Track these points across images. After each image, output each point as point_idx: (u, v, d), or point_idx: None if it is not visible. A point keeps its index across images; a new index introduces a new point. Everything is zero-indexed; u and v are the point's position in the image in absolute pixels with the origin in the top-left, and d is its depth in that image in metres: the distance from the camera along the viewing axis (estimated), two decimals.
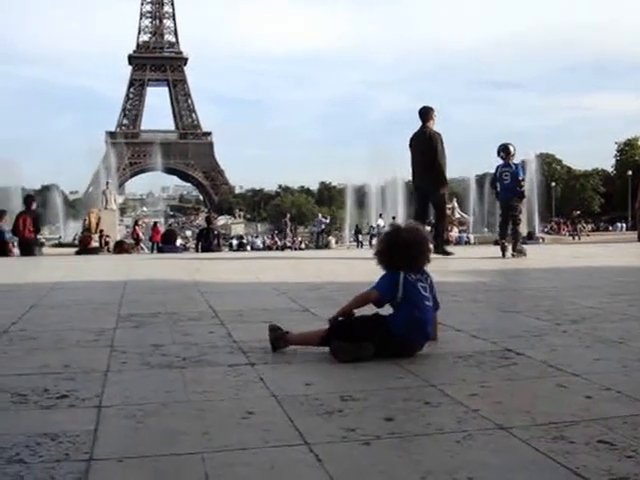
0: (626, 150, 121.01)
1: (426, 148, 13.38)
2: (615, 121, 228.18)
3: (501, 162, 13.54)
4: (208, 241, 22.51)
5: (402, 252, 3.93)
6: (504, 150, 13.46)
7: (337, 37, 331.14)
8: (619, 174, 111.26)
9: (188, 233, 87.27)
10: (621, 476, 2.07)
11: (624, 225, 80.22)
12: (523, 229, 17.14)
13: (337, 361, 3.70)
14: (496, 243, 14.20)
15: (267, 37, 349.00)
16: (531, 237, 32.91)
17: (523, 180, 13.50)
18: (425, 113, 13.70)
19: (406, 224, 4.43)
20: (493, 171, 13.98)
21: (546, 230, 68.17)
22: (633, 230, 33.74)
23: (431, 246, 4.27)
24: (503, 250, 13.14)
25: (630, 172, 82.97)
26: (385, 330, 3.79)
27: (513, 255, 12.97)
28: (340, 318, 3.93)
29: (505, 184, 13.39)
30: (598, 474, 2.09)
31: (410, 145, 13.86)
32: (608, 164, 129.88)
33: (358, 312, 3.95)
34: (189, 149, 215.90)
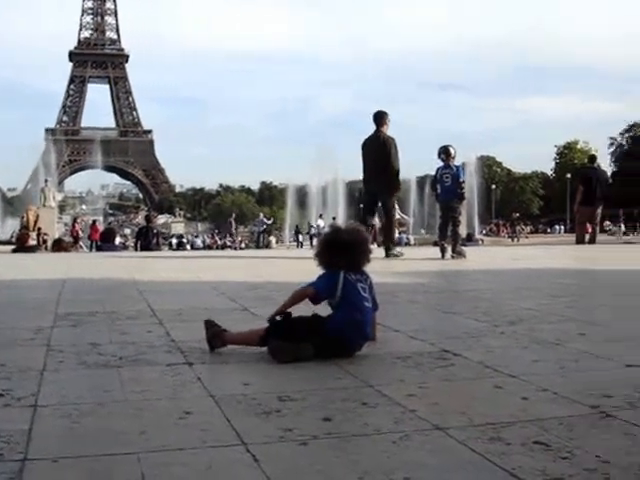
0: (565, 153, 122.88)
1: (379, 152, 13.51)
2: (555, 124, 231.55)
3: (441, 164, 13.65)
4: (147, 240, 22.41)
5: (342, 252, 3.94)
6: (445, 152, 13.57)
7: (283, 36, 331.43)
8: (558, 177, 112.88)
9: (127, 231, 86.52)
10: (555, 477, 2.09)
11: (562, 227, 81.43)
12: (463, 231, 17.31)
13: (276, 361, 3.68)
14: (436, 244, 14.31)
15: (211, 35, 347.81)
16: (470, 239, 33.18)
17: (463, 182, 13.64)
18: (379, 118, 13.84)
19: (346, 225, 4.44)
20: (434, 173, 14.07)
21: (485, 232, 68.80)
22: (571, 232, 34.21)
23: (371, 247, 4.28)
24: (443, 251, 13.25)
25: (569, 175, 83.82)
26: (324, 330, 3.78)
27: (453, 256, 13.09)
28: (278, 317, 3.92)
29: (446, 186, 13.50)
30: (533, 475, 2.10)
31: (363, 149, 13.96)
32: (547, 167, 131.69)
33: (297, 313, 3.94)
34: (129, 147, 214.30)
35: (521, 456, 2.26)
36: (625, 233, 58.42)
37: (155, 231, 24.32)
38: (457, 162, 13.97)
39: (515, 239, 58.34)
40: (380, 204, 14.20)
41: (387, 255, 13.39)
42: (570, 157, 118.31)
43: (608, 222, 54.91)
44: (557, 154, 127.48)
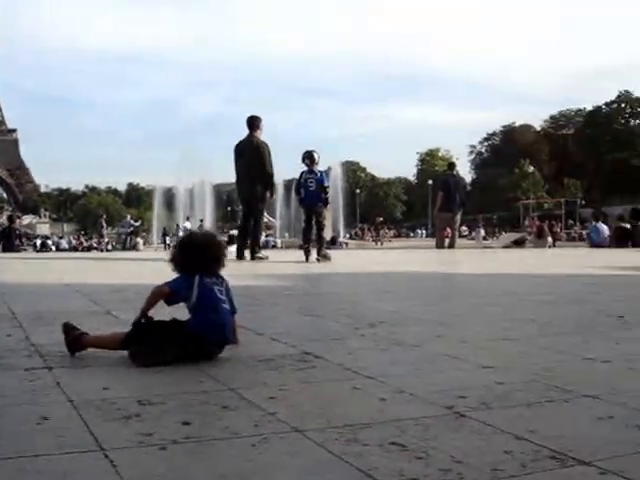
0: (427, 160, 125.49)
1: (253, 157, 13.67)
2: (418, 132, 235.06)
3: (305, 169, 13.76)
4: (10, 241, 21.88)
5: (196, 256, 3.94)
6: (309, 157, 13.77)
7: (154, 36, 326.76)
8: (420, 183, 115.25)
9: None
10: (411, 477, 2.12)
11: (424, 232, 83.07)
12: (327, 234, 17.47)
13: (136, 365, 3.64)
14: (301, 247, 14.41)
15: (80, 35, 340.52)
16: (335, 242, 33.49)
17: (328, 187, 13.84)
18: (253, 122, 14.05)
19: (200, 230, 4.45)
20: (298, 177, 14.17)
21: (350, 235, 69.58)
22: (432, 237, 34.87)
23: (227, 250, 4.29)
24: (307, 255, 13.37)
25: (430, 181, 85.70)
26: (184, 334, 3.76)
27: (318, 260, 13.22)
28: (143, 320, 3.88)
29: (310, 190, 13.71)
30: (389, 475, 2.13)
31: (235, 152, 13.98)
32: (410, 173, 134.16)
33: (157, 318, 3.91)
34: None
35: (378, 457, 2.29)
36: (485, 238, 59.86)
37: (18, 232, 23.77)
38: (321, 167, 14.12)
39: (379, 242, 59.20)
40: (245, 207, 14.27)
41: (252, 258, 13.44)
42: (432, 164, 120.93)
43: (465, 227, 56.28)
44: (419, 161, 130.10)
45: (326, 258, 13.36)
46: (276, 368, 3.67)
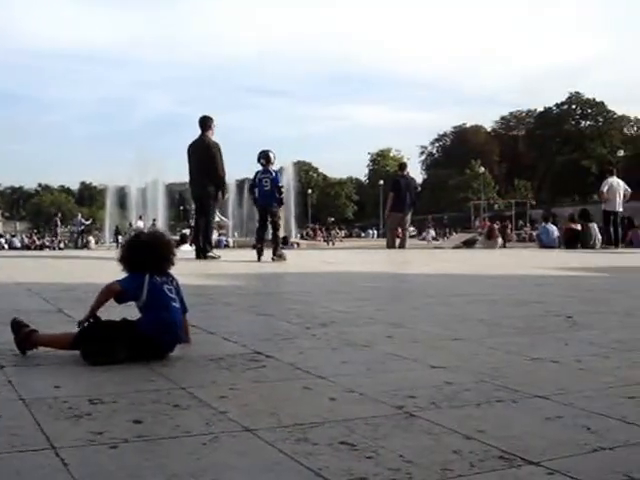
0: (378, 160, 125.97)
1: (204, 157, 13.82)
2: (369, 132, 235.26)
3: (260, 168, 13.78)
4: None
5: (144, 255, 3.93)
6: (265, 157, 13.83)
7: (108, 34, 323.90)
8: (372, 183, 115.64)
9: None
10: (360, 476, 2.13)
11: (375, 232, 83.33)
12: (280, 234, 17.52)
13: (87, 364, 3.63)
14: (254, 247, 14.42)
15: (33, 31, 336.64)
16: (286, 242, 33.46)
17: (282, 187, 13.87)
18: (204, 122, 14.21)
19: (148, 229, 4.44)
20: (252, 177, 14.21)
21: (302, 235, 69.60)
22: (384, 237, 35.00)
23: (177, 249, 4.29)
24: (260, 254, 13.36)
25: (381, 181, 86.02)
26: (135, 333, 3.76)
27: (273, 259, 13.30)
28: (91, 320, 3.86)
29: (264, 190, 13.79)
30: (338, 474, 2.15)
31: (188, 152, 14.04)
32: (361, 173, 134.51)
33: (108, 317, 3.90)
34: None
35: (327, 456, 2.31)
36: (435, 238, 60.20)
37: None
38: (275, 167, 14.14)
39: (330, 242, 59.35)
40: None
41: (204, 257, 13.44)
42: (383, 164, 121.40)
43: (412, 228, 56.63)
44: (370, 161, 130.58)
45: (281, 258, 13.43)
46: (227, 367, 3.68)
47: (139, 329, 3.78)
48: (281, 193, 14.03)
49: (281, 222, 15.03)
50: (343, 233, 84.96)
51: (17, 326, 3.93)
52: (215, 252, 14.38)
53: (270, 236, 14.02)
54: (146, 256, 3.94)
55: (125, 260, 4.00)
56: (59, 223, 53.63)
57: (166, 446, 2.41)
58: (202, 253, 13.65)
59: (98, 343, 3.69)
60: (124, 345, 3.70)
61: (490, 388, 3.27)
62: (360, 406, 2.94)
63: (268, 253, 13.71)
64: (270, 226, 13.84)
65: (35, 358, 3.81)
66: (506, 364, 3.87)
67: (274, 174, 14.01)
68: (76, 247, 45.09)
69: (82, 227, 48.79)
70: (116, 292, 3.89)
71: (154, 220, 45.24)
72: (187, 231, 33.54)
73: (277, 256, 13.54)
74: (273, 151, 14.15)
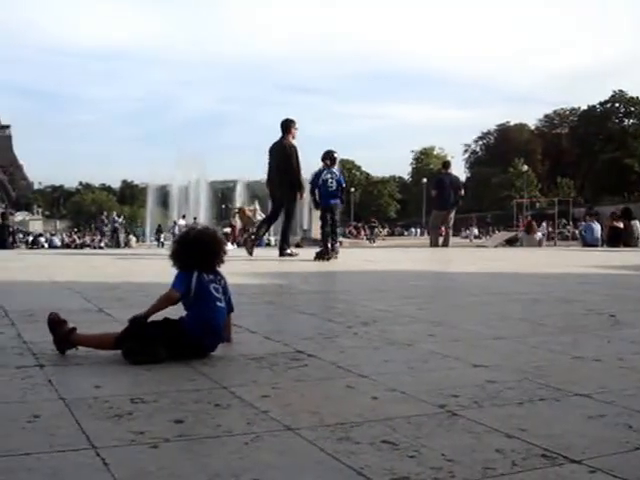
0: (421, 158, 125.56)
1: (281, 158, 14.13)
2: (413, 130, 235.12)
3: (323, 169, 13.98)
4: (3, 238, 21.85)
5: (195, 252, 3.94)
6: (330, 157, 14.05)
7: (146, 34, 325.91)
8: (415, 181, 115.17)
9: None
10: (402, 475, 2.13)
11: (418, 230, 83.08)
12: (319, 232, 17.65)
13: (129, 363, 3.65)
14: (298, 246, 14.53)
15: (74, 30, 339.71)
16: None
17: (344, 187, 14.10)
18: (285, 125, 14.47)
19: (200, 226, 4.44)
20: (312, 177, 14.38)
21: (345, 233, 69.53)
22: (427, 235, 34.84)
23: (227, 247, 4.30)
24: (325, 253, 13.53)
25: (425, 179, 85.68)
26: (177, 332, 3.77)
27: (329, 258, 13.38)
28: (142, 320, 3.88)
29: (330, 190, 13.94)
30: (380, 473, 2.14)
31: (268, 154, 14.63)
32: (405, 172, 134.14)
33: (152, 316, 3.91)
34: None
35: (369, 455, 2.30)
36: (478, 236, 59.94)
37: (11, 229, 23.76)
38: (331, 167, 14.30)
39: (371, 241, 59.34)
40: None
41: (281, 254, 13.69)
42: (426, 162, 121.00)
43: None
44: (414, 159, 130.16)
45: (335, 256, 13.68)
46: (269, 366, 3.67)
47: (181, 328, 3.79)
48: (343, 193, 14.26)
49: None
50: (385, 231, 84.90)
51: (55, 324, 3.93)
52: (294, 250, 14.88)
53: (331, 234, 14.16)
54: (196, 252, 3.95)
55: (176, 256, 4.01)
56: (105, 221, 53.97)
57: (207, 445, 2.41)
58: (279, 251, 14.06)
59: (139, 342, 3.71)
60: (165, 344, 3.72)
61: (532, 387, 3.25)
62: (402, 405, 2.93)
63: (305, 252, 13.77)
64: (331, 224, 13.99)
65: (75, 357, 3.83)
66: (548, 362, 3.84)
67: (338, 174, 14.16)
68: (115, 246, 45.34)
69: (116, 225, 49.03)
70: (176, 300, 3.91)
71: (195, 219, 45.30)
72: (228, 230, 33.61)
73: (334, 252, 13.76)
74: (337, 152, 14.31)
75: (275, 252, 14.59)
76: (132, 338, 3.74)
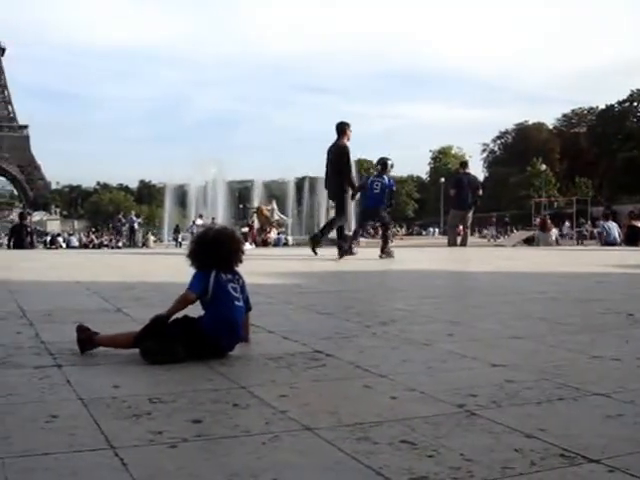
0: (439, 158, 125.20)
1: (336, 159, 14.66)
2: (431, 130, 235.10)
3: (375, 174, 15.26)
4: (21, 238, 21.91)
5: (213, 251, 3.94)
6: (382, 164, 15.21)
7: (162, 34, 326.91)
8: (433, 181, 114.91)
9: None
10: (421, 475, 2.12)
11: (436, 230, 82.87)
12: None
13: (147, 363, 3.65)
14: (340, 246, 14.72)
15: (89, 31, 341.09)
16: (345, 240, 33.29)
17: (394, 192, 15.12)
18: (341, 128, 15.02)
19: (218, 226, 4.45)
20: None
21: (361, 233, 69.41)
22: (445, 235, 34.77)
23: (244, 247, 4.30)
24: (347, 252, 14.18)
25: (442, 179, 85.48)
26: (195, 331, 3.77)
27: (382, 257, 14.23)
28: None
29: (374, 193, 14.83)
30: (399, 473, 2.14)
31: (327, 155, 15.16)
32: (422, 171, 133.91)
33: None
34: (4, 142, 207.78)
35: (388, 455, 2.30)
36: (496, 236, 59.75)
37: (29, 229, 23.84)
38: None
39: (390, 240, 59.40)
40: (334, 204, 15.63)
41: (341, 255, 14.17)
42: (444, 162, 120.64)
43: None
44: (432, 159, 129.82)
45: (390, 255, 14.31)
46: (287, 366, 3.67)
47: (199, 327, 3.79)
48: (392, 197, 15.09)
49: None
50: (404, 231, 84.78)
51: (81, 328, 3.98)
52: (355, 249, 15.31)
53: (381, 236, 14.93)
54: (214, 252, 3.96)
55: (194, 255, 4.02)
56: (122, 220, 54.01)
57: (226, 445, 2.42)
58: (339, 250, 14.30)
59: (158, 342, 3.72)
60: (184, 344, 3.72)
61: (551, 386, 3.24)
62: (421, 405, 2.93)
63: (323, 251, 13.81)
64: (380, 227, 14.62)
65: (94, 357, 3.84)
66: (567, 362, 3.83)
67: (386, 180, 14.89)
68: (132, 245, 45.41)
69: (134, 224, 49.04)
70: (192, 301, 3.92)
71: (213, 219, 45.32)
72: (246, 229, 33.64)
73: (385, 253, 14.36)
74: (391, 160, 15.22)
75: (298, 251, 14.66)
76: (150, 338, 3.75)
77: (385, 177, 14.97)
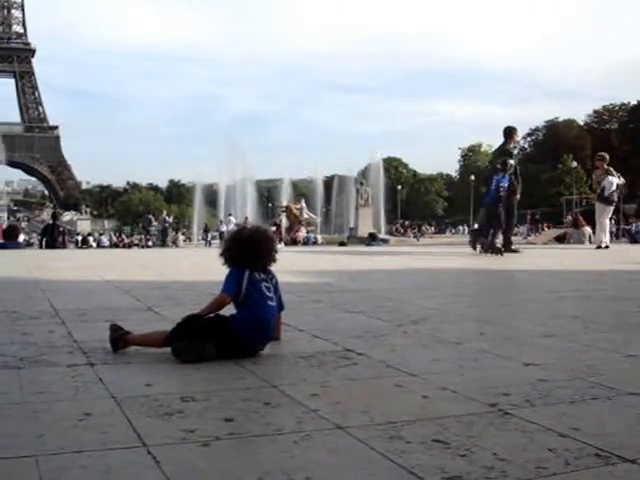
0: (469, 155, 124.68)
1: (500, 160, 15.28)
2: (459, 127, 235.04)
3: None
4: (53, 237, 21.98)
5: (247, 250, 3.94)
6: (503, 164, 15.32)
7: (192, 34, 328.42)
8: (462, 179, 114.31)
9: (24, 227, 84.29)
10: (454, 474, 2.12)
11: (466, 228, 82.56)
12: (365, 231, 18.05)
13: (179, 361, 3.66)
14: (342, 244, 14.68)
15: (119, 31, 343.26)
16: (374, 238, 33.18)
17: (502, 187, 15.11)
18: (508, 132, 16.02)
19: (252, 224, 4.45)
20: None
21: (392, 231, 69.39)
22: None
23: (278, 246, 4.30)
24: (489, 249, 14.67)
25: (472, 177, 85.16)
26: (227, 330, 3.77)
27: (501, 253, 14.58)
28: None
29: (491, 189, 15.28)
30: (432, 473, 2.13)
31: (493, 156, 16.41)
32: (452, 169, 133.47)
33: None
34: (35, 143, 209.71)
35: (420, 454, 2.29)
36: (528, 234, 59.53)
37: (61, 229, 23.93)
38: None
39: (420, 238, 59.46)
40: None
41: (507, 251, 14.88)
42: (474, 159, 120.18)
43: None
44: (461, 156, 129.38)
45: (516, 251, 15.20)
46: (318, 365, 3.67)
47: (232, 326, 3.80)
48: (499, 192, 15.09)
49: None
50: (433, 229, 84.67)
51: (114, 327, 4.01)
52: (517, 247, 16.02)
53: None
54: (249, 251, 3.96)
55: (228, 254, 4.02)
56: (152, 220, 54.17)
57: (258, 444, 2.42)
58: (504, 247, 14.77)
59: (190, 341, 3.72)
60: (215, 342, 3.73)
61: (585, 385, 3.21)
62: (453, 404, 2.92)
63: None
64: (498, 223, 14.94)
65: (126, 356, 3.86)
66: (600, 361, 3.80)
67: (502, 176, 15.12)
68: (162, 245, 45.53)
69: (166, 224, 49.17)
70: (228, 304, 3.93)
71: (246, 218, 45.33)
72: (274, 228, 33.62)
73: (512, 250, 15.07)
74: (511, 161, 15.46)
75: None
76: (182, 336, 3.75)
77: (502, 175, 15.16)
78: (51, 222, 23.92)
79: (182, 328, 3.81)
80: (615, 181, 17.13)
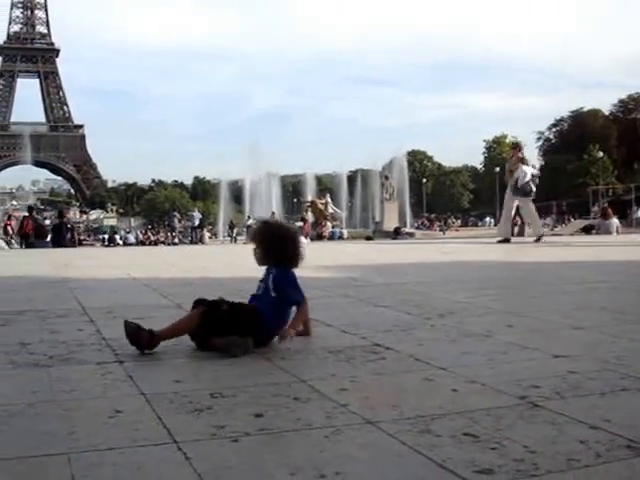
0: (494, 147, 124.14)
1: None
2: (483, 119, 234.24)
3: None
4: (61, 235, 21.83)
5: (286, 248, 4.02)
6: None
7: (213, 30, 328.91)
8: (487, 171, 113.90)
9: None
10: (484, 467, 2.11)
11: (492, 220, 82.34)
12: (391, 225, 18.20)
13: (228, 356, 3.67)
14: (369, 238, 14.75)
15: (141, 29, 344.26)
16: (399, 232, 33.16)
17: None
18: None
19: (288, 224, 4.51)
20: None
21: (417, 225, 69.31)
22: None
23: (304, 241, 4.34)
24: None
25: (497, 169, 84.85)
26: (262, 325, 3.83)
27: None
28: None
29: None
30: (463, 466, 2.13)
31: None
32: (477, 161, 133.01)
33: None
34: (60, 142, 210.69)
35: (451, 448, 2.29)
36: (554, 225, 59.25)
37: (69, 226, 23.89)
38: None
39: (443, 232, 59.33)
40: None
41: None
42: (498, 151, 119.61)
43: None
44: (486, 148, 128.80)
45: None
46: (346, 360, 3.67)
47: (266, 322, 3.85)
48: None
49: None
50: (459, 222, 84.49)
51: (130, 328, 3.88)
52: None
53: None
54: (290, 250, 4.04)
55: (271, 250, 4.09)
56: (177, 216, 54.32)
57: (288, 439, 2.42)
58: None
59: (241, 336, 3.74)
60: (252, 336, 3.77)
61: (615, 377, 3.20)
62: (482, 397, 2.91)
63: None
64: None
65: (154, 353, 3.87)
66: (630, 352, 3.78)
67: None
68: (191, 242, 45.62)
69: (197, 222, 49.25)
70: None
71: (273, 213, 45.35)
72: (300, 224, 33.56)
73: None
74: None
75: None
76: (228, 329, 3.76)
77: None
78: (58, 221, 23.80)
79: (226, 320, 3.81)
80: (529, 171, 16.90)
